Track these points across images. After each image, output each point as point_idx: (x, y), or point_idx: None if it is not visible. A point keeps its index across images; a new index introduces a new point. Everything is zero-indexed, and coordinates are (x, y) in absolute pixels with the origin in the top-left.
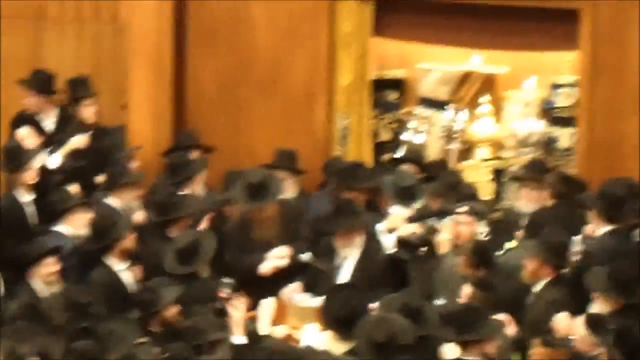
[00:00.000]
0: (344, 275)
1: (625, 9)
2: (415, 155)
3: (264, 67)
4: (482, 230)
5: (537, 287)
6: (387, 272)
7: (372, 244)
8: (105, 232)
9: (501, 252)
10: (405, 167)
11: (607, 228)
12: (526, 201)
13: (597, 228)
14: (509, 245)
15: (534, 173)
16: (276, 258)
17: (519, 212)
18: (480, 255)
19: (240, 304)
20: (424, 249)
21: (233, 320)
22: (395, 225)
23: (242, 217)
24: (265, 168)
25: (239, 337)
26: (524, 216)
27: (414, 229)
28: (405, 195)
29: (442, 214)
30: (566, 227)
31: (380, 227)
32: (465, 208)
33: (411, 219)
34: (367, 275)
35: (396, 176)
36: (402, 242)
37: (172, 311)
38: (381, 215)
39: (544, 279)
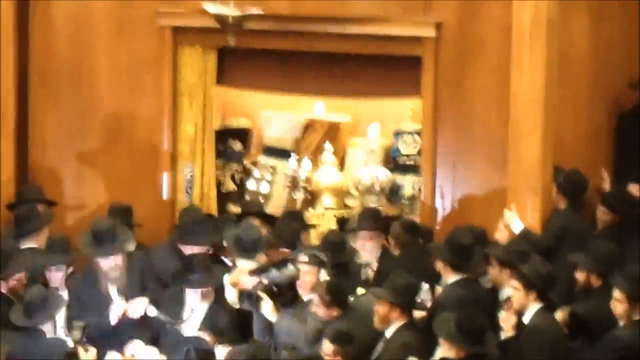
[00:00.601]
0: (191, 328)
1: (466, 56)
2: (259, 208)
3: (107, 118)
4: (324, 279)
5: (389, 332)
6: (234, 325)
7: (219, 297)
8: None
9: (351, 298)
10: (250, 220)
11: (456, 277)
12: (361, 250)
13: (446, 277)
14: (359, 292)
15: (367, 223)
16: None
17: (360, 262)
18: (334, 294)
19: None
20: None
21: None
22: (238, 278)
23: (88, 268)
24: None
25: None
26: (366, 265)
27: (255, 281)
28: (249, 249)
29: (283, 264)
30: (413, 275)
31: (225, 280)
32: (306, 257)
33: (252, 272)
34: (214, 328)
35: (240, 230)
36: (245, 295)
37: None
38: (228, 268)
39: (395, 323)
